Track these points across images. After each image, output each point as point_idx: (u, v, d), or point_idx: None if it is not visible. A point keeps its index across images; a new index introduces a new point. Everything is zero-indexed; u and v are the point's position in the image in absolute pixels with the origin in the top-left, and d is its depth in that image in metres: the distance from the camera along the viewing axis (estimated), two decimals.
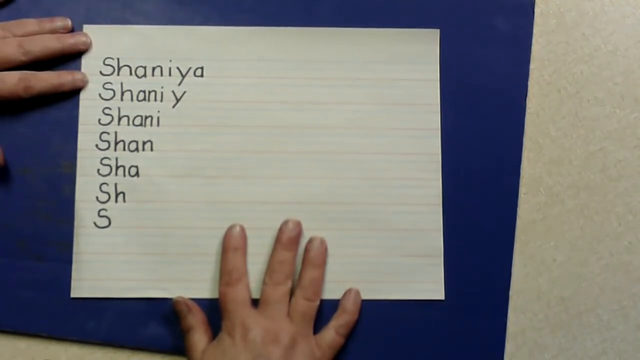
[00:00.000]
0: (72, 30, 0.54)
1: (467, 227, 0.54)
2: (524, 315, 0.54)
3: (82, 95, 0.54)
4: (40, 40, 0.52)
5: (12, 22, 0.53)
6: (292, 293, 0.51)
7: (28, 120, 0.53)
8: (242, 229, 0.52)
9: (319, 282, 0.52)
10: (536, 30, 0.57)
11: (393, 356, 0.53)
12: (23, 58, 0.52)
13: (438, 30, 0.56)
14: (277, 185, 0.54)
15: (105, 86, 0.54)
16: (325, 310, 0.52)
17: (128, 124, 0.54)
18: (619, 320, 0.54)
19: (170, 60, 0.55)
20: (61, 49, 0.53)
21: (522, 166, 0.55)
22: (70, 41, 0.53)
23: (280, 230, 0.52)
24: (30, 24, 0.53)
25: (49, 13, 0.54)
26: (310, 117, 0.54)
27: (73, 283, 0.52)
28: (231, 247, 0.51)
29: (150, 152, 0.54)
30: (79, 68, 0.54)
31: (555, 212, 0.55)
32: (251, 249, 0.53)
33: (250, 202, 0.53)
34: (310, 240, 0.52)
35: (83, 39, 0.54)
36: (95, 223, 0.53)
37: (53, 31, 0.53)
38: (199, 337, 0.50)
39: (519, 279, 0.54)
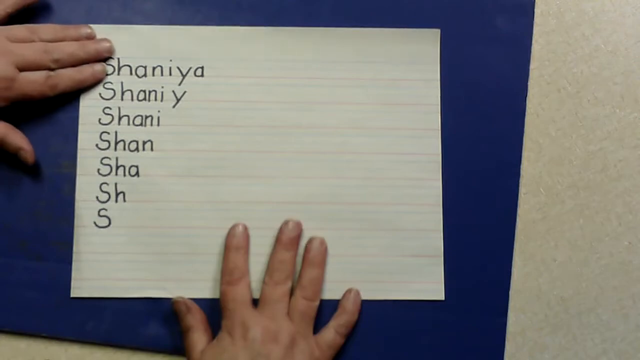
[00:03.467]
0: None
1: (467, 227, 0.54)
2: (524, 315, 0.54)
3: (83, 95, 0.54)
4: (66, 47, 0.52)
5: (39, 25, 0.53)
6: (292, 293, 0.51)
7: (28, 120, 0.53)
8: (245, 229, 0.52)
9: (319, 282, 0.52)
10: (536, 30, 0.57)
11: (393, 356, 0.53)
12: (52, 65, 0.51)
13: (438, 30, 0.56)
14: (277, 185, 0.54)
15: (106, 86, 0.54)
16: (325, 310, 0.52)
17: (128, 124, 0.54)
18: (619, 320, 0.54)
19: (171, 60, 0.55)
20: (86, 58, 0.53)
21: (522, 166, 0.55)
22: (93, 47, 0.53)
23: (281, 230, 0.52)
24: (56, 29, 0.53)
25: (49, 13, 0.54)
26: (310, 117, 0.54)
27: (73, 283, 0.52)
28: (233, 246, 0.51)
29: (150, 151, 0.54)
30: None
31: (555, 212, 0.55)
32: (251, 248, 0.53)
33: (250, 202, 0.53)
34: (310, 240, 0.52)
35: (106, 45, 0.54)
36: (95, 223, 0.53)
37: (77, 39, 0.53)
38: (198, 337, 0.50)
39: (519, 279, 0.54)
